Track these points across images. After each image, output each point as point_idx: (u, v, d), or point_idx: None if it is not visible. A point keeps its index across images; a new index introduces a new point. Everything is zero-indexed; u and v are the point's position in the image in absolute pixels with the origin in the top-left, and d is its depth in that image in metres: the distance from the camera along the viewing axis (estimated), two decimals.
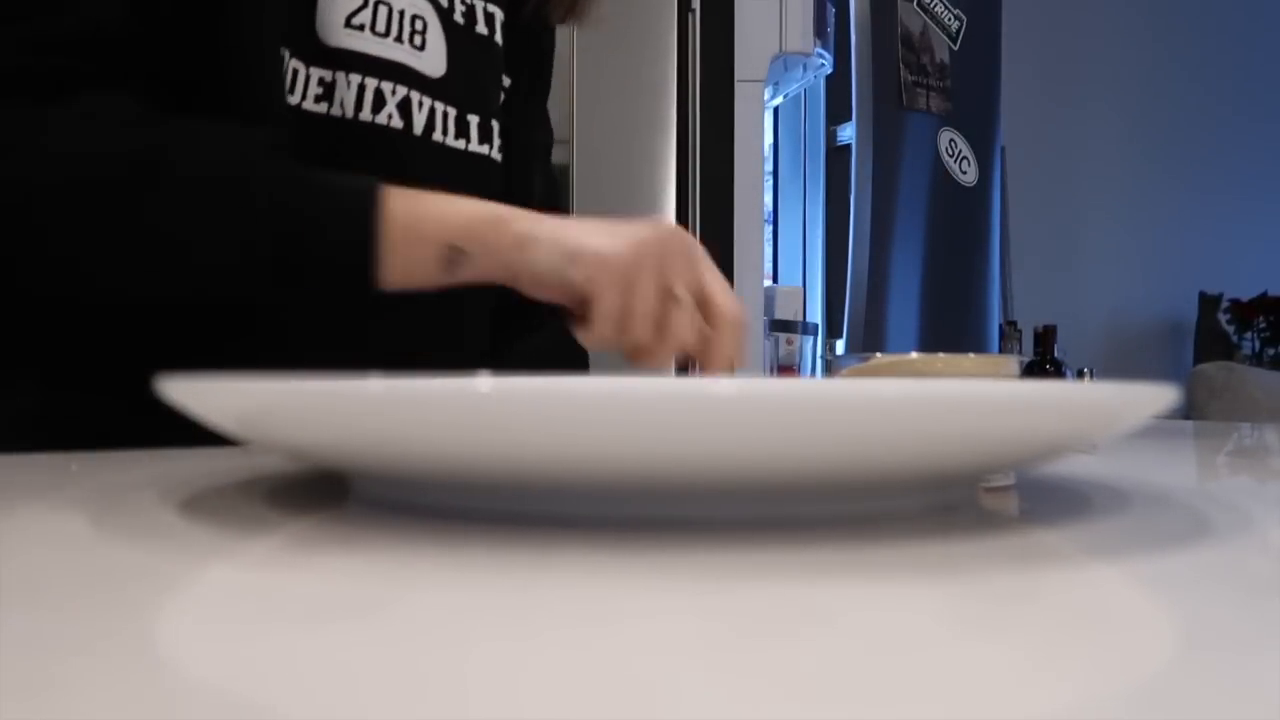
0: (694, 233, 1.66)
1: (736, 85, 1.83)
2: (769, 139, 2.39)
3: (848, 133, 2.42)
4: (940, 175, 2.51)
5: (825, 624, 0.22)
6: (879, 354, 0.64)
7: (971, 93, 2.58)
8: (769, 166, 2.44)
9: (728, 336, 0.62)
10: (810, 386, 0.31)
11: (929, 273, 2.46)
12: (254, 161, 0.60)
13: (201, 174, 0.58)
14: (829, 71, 2.23)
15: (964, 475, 0.35)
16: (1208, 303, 3.63)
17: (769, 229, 2.44)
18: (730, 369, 0.63)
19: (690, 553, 0.28)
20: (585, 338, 0.61)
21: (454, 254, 0.60)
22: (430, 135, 0.72)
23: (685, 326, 0.61)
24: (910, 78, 2.45)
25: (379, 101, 0.69)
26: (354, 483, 0.37)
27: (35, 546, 0.30)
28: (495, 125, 0.78)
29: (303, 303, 0.63)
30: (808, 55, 2.00)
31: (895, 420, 0.28)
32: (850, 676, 0.18)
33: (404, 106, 0.70)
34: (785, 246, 2.54)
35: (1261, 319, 3.58)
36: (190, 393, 0.32)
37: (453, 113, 0.74)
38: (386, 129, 0.69)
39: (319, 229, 0.59)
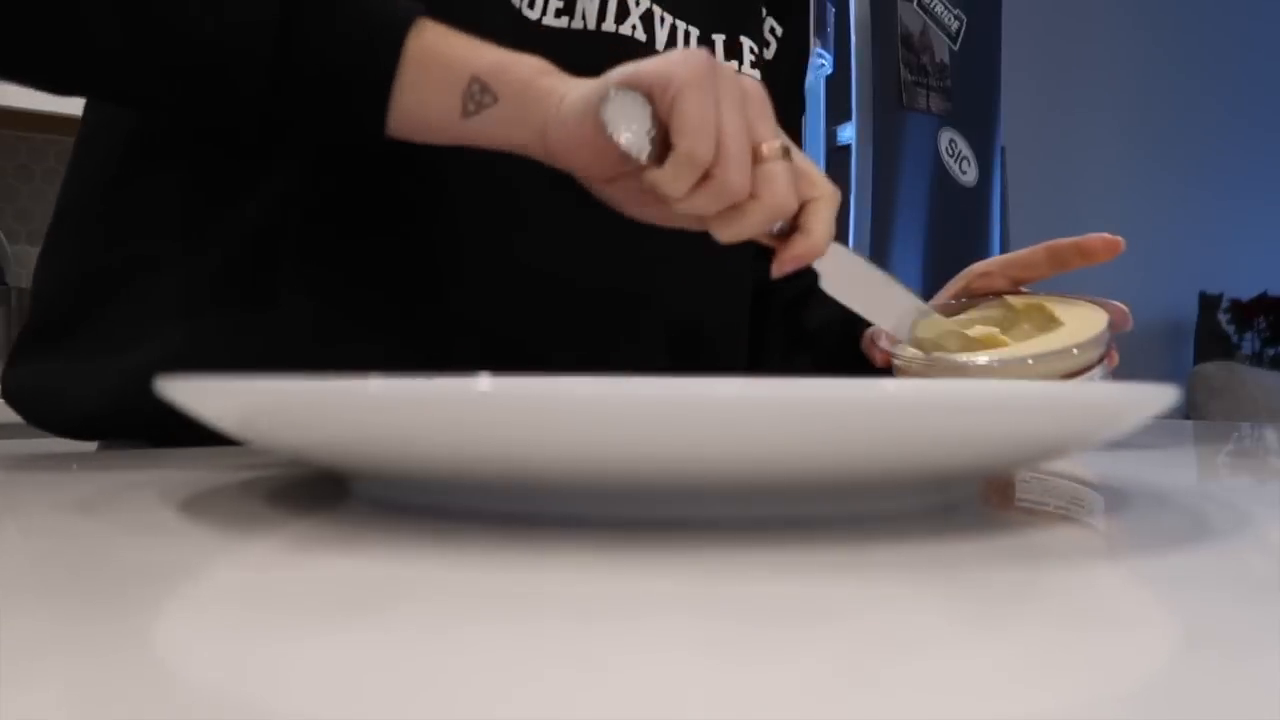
0: None
1: None
2: None
3: (848, 133, 2.42)
4: (940, 175, 2.51)
5: (824, 623, 0.22)
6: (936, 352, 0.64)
7: (971, 93, 2.58)
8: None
9: (826, 209, 0.53)
10: (810, 387, 0.30)
11: (929, 273, 2.46)
12: None
13: None
14: (829, 71, 2.23)
15: (964, 475, 0.35)
16: (1208, 303, 3.63)
17: None
18: (823, 248, 0.53)
19: (690, 553, 0.28)
20: (662, 184, 0.49)
21: (477, 90, 0.52)
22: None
23: (784, 180, 0.50)
24: (910, 78, 2.45)
25: (623, 11, 0.65)
26: (354, 483, 0.37)
27: (35, 545, 0.30)
28: (747, 42, 0.73)
29: (296, 127, 0.55)
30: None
31: (895, 420, 0.28)
32: (850, 676, 0.18)
33: (647, 19, 0.67)
34: None
35: (1261, 319, 3.58)
36: (190, 392, 0.32)
37: (695, 32, 0.70)
38: (631, 39, 0.66)
39: (332, 22, 0.51)
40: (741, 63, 0.73)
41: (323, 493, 0.38)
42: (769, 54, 0.79)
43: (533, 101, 0.51)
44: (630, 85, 0.49)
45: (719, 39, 0.72)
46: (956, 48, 2.56)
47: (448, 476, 0.31)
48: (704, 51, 0.50)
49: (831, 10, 2.19)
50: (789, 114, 0.85)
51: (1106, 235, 0.71)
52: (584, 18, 0.65)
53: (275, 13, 0.51)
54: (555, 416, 0.27)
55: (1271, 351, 3.57)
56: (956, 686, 0.18)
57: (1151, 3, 3.78)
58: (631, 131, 0.48)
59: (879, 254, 2.37)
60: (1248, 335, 3.61)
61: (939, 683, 0.18)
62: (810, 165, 0.53)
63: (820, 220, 0.53)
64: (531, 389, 0.27)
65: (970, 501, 0.37)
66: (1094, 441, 0.35)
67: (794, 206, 0.51)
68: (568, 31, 0.64)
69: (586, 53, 0.64)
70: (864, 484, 0.32)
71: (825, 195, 0.53)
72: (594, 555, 0.28)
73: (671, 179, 0.48)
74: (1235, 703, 0.17)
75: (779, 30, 0.80)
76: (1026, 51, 3.33)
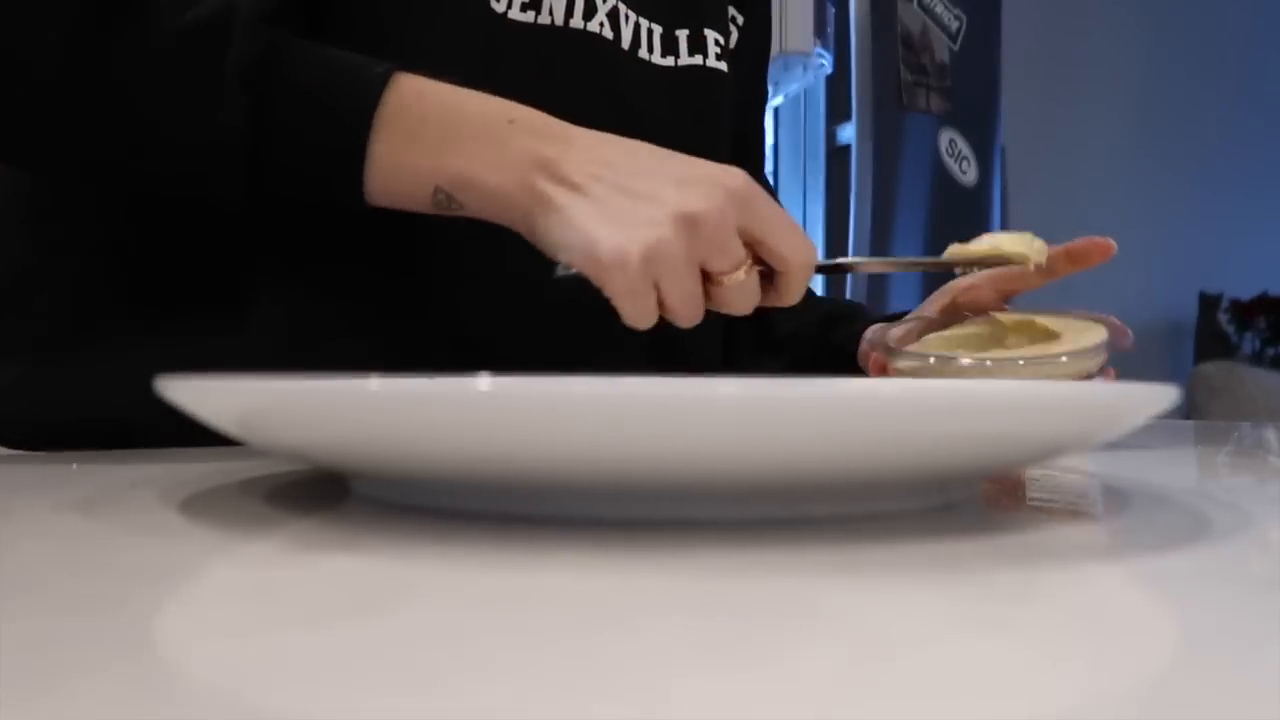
0: None
1: None
2: (769, 139, 2.39)
3: (848, 133, 2.42)
4: (940, 175, 2.51)
5: (825, 623, 0.22)
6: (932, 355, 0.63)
7: (971, 93, 2.59)
8: (769, 167, 2.44)
9: (796, 284, 0.55)
10: (811, 387, 0.31)
11: (929, 273, 2.45)
12: (235, 15, 0.52)
13: (178, 21, 0.51)
14: (829, 71, 2.23)
15: (964, 475, 0.35)
16: (1208, 303, 3.63)
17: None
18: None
19: (690, 553, 0.28)
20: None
21: (444, 199, 0.53)
22: (636, 52, 0.68)
23: (736, 302, 0.54)
24: (910, 78, 2.45)
25: (590, 8, 0.65)
26: (354, 483, 0.37)
27: (35, 546, 0.30)
28: (710, 34, 0.73)
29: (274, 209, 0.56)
30: (808, 55, 2.00)
31: (895, 420, 0.28)
32: (850, 676, 0.18)
33: (613, 16, 0.67)
34: None
35: (1261, 319, 3.58)
36: (190, 392, 0.32)
37: (659, 30, 0.70)
38: (598, 36, 0.66)
39: (306, 102, 0.52)
40: (706, 56, 0.73)
41: (323, 493, 0.38)
42: (731, 43, 0.79)
43: (502, 210, 0.53)
44: (578, 267, 0.52)
45: (682, 34, 0.72)
46: (956, 48, 2.56)
47: (448, 476, 0.31)
48: (686, 195, 0.51)
49: (831, 10, 2.19)
50: (752, 104, 0.85)
51: (1097, 239, 0.69)
52: (551, 13, 0.64)
53: (245, 136, 0.52)
54: (555, 416, 0.27)
55: (1271, 351, 3.57)
56: (956, 686, 0.18)
57: (1151, 3, 3.78)
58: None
59: (879, 254, 2.37)
60: (1248, 335, 3.61)
61: (939, 683, 0.18)
62: (783, 229, 0.54)
63: (787, 296, 0.56)
64: (531, 389, 0.27)
65: (970, 501, 0.37)
66: (1094, 441, 0.35)
67: (750, 309, 0.54)
68: (534, 27, 0.64)
69: (553, 49, 0.64)
70: (864, 484, 0.32)
71: (794, 271, 0.55)
72: (593, 555, 0.28)
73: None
74: (1235, 703, 0.17)
75: (740, 20, 0.80)
76: (1026, 51, 3.33)
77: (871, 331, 0.75)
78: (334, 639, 0.20)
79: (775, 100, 2.29)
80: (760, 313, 0.62)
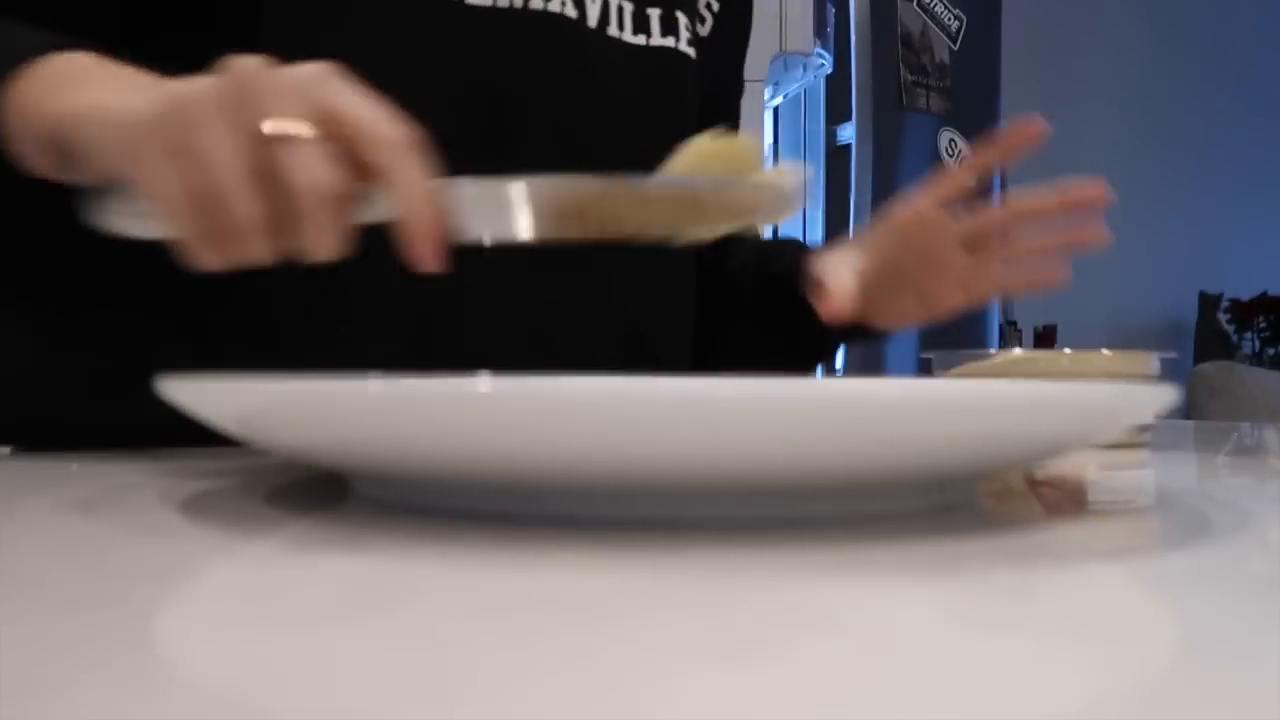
0: None
1: None
2: (769, 139, 2.39)
3: (848, 133, 2.42)
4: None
5: (825, 624, 0.22)
6: (994, 350, 0.62)
7: (971, 93, 2.58)
8: (769, 166, 2.43)
9: (392, 161, 0.41)
10: (811, 388, 0.31)
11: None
12: None
13: None
14: (829, 71, 2.23)
15: (964, 475, 0.35)
16: (1208, 303, 3.63)
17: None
18: (425, 208, 0.41)
19: (690, 553, 0.28)
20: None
21: (62, 155, 0.45)
22: (605, 29, 0.67)
23: (307, 167, 0.39)
24: (910, 78, 2.45)
25: None
26: (354, 483, 0.37)
27: (35, 545, 0.30)
28: (682, 18, 0.71)
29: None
30: (808, 55, 2.00)
31: (895, 421, 0.28)
32: (850, 677, 0.18)
33: None
34: None
35: (1261, 319, 3.58)
36: (190, 392, 0.32)
37: (629, 8, 0.68)
38: (560, 17, 0.64)
39: None
40: (679, 39, 0.71)
41: (323, 493, 0.38)
42: (704, 30, 0.77)
43: (105, 162, 0.44)
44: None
45: (654, 14, 0.70)
46: (956, 48, 2.56)
47: (448, 477, 0.31)
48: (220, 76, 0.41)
49: (831, 10, 2.19)
50: (728, 93, 0.83)
51: (1019, 125, 0.66)
52: None
53: None
54: (555, 417, 0.27)
55: (1271, 351, 3.56)
56: (956, 686, 0.18)
57: (1151, 3, 3.78)
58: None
59: None
60: (1248, 335, 3.60)
61: (939, 683, 0.18)
62: (359, 111, 0.41)
63: (400, 189, 0.41)
64: (531, 389, 0.27)
65: (969, 501, 0.37)
66: (1094, 441, 0.35)
67: (338, 181, 0.40)
68: (493, 9, 0.62)
69: (515, 31, 0.62)
70: (863, 484, 0.32)
71: (381, 146, 0.41)
72: (593, 555, 0.28)
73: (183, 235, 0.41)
74: (1235, 702, 0.17)
75: (715, 6, 0.78)
76: (1026, 51, 3.33)
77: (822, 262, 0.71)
78: (334, 639, 0.20)
79: (775, 100, 2.29)
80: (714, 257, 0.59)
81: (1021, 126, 0.66)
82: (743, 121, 0.88)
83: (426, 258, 0.42)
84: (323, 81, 0.41)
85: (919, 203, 0.71)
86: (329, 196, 0.40)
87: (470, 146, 0.55)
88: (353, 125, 0.40)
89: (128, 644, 0.20)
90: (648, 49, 0.69)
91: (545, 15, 0.64)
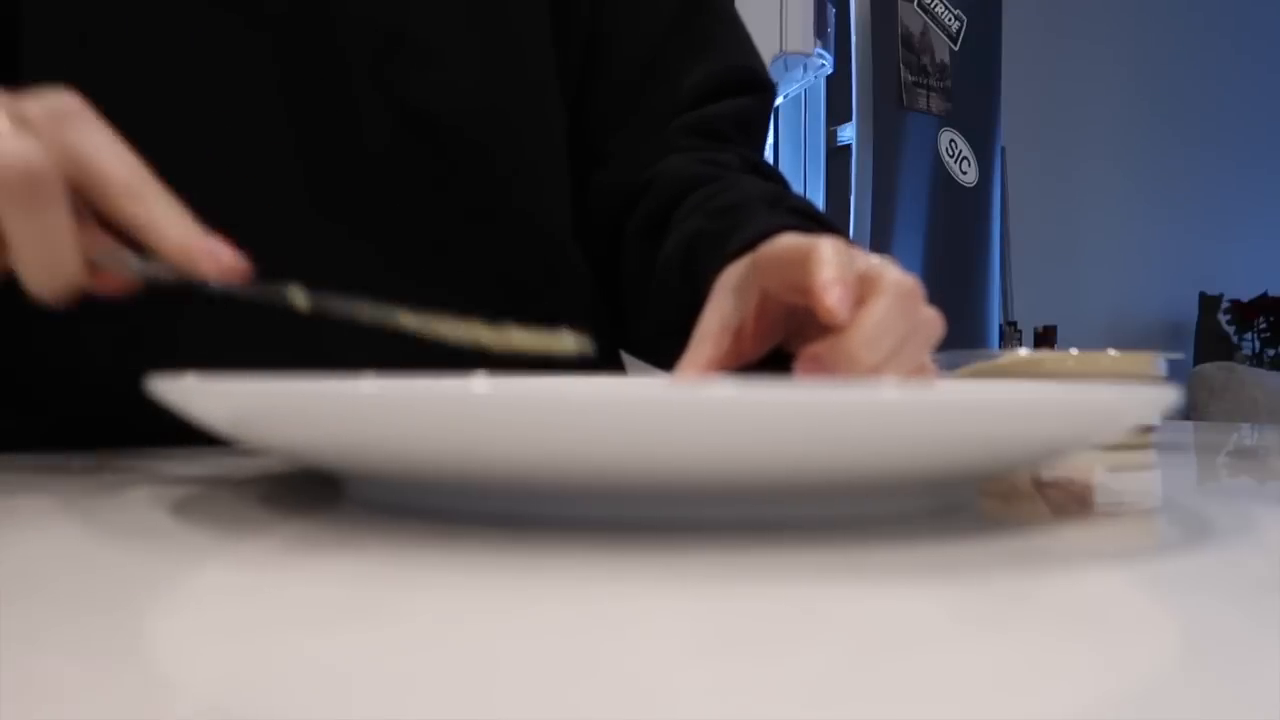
0: None
1: None
2: (769, 139, 2.39)
3: (848, 133, 2.42)
4: (940, 175, 2.51)
5: (825, 625, 0.21)
6: (998, 351, 0.62)
7: (971, 93, 2.59)
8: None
9: (148, 212, 0.40)
10: (810, 389, 0.30)
11: (929, 273, 2.46)
12: None
13: None
14: (829, 72, 2.23)
15: (964, 477, 0.35)
16: (1208, 303, 3.63)
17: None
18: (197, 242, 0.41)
19: (689, 555, 0.28)
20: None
21: None
22: None
23: (31, 258, 0.38)
24: (910, 78, 2.45)
25: None
26: (348, 484, 0.37)
27: (30, 545, 0.30)
28: None
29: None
30: (808, 55, 2.00)
31: (895, 423, 0.28)
32: (850, 677, 0.18)
33: None
34: None
35: (1261, 319, 3.59)
36: (182, 392, 0.32)
37: None
38: None
39: None
40: None
41: (317, 494, 0.38)
42: None
43: None
44: None
45: None
46: (956, 48, 2.56)
47: (443, 478, 0.31)
48: None
49: (831, 10, 2.19)
50: (632, 37, 0.72)
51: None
52: None
53: None
54: (553, 418, 0.27)
55: (1271, 352, 3.57)
56: (956, 688, 0.18)
57: (1151, 3, 3.79)
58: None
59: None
60: (1248, 336, 3.61)
61: (939, 684, 0.18)
62: (117, 153, 0.41)
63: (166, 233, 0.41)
64: (529, 390, 0.27)
65: (970, 503, 0.37)
66: (1095, 442, 0.35)
67: (58, 281, 0.40)
68: None
69: None
70: (863, 486, 0.32)
71: (168, 245, 0.41)
72: (592, 557, 0.27)
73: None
74: (1235, 703, 0.17)
75: None
76: (1026, 51, 3.33)
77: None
78: (329, 641, 0.20)
79: (775, 100, 2.29)
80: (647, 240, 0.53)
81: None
82: None
83: (227, 265, 0.41)
84: (65, 119, 0.40)
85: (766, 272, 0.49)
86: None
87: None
88: (98, 175, 0.39)
89: (118, 646, 0.20)
90: None
91: None
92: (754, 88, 0.75)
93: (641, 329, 0.70)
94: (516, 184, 0.66)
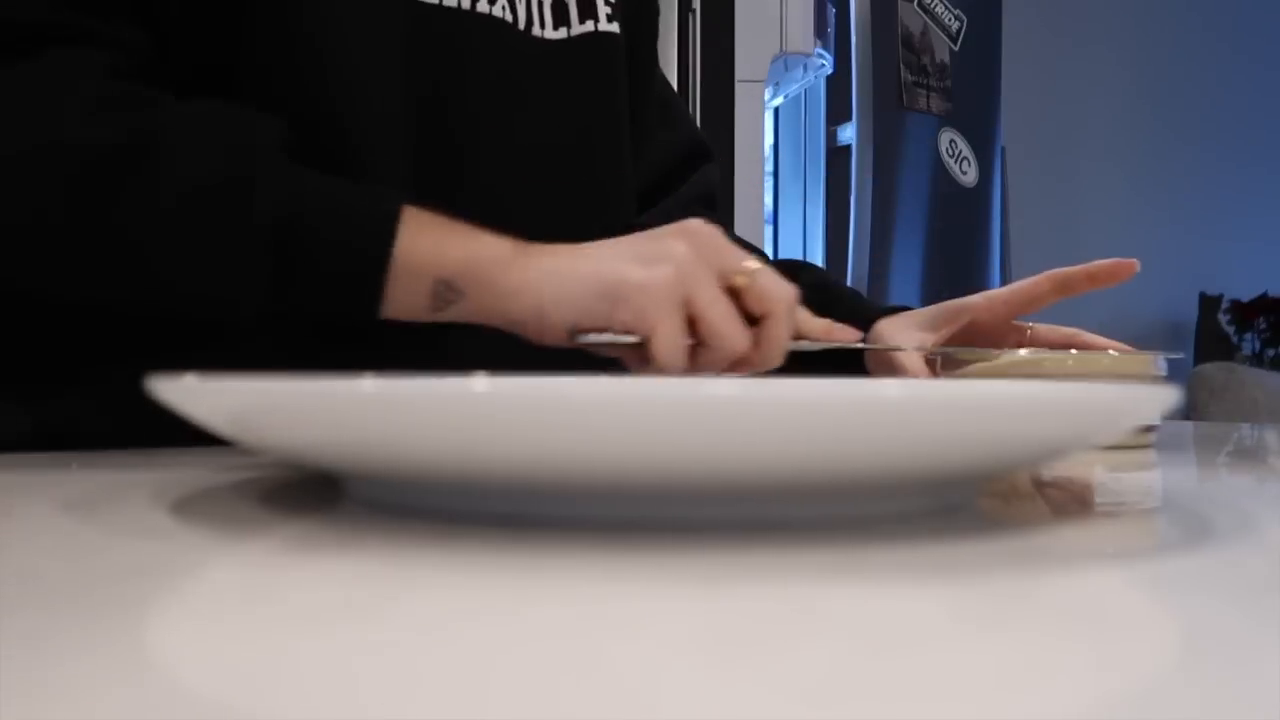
0: None
1: (737, 85, 1.82)
2: (769, 139, 2.39)
3: (848, 133, 2.42)
4: (940, 175, 2.51)
5: (825, 625, 0.21)
6: (996, 350, 0.62)
7: (971, 93, 2.58)
8: (769, 167, 2.44)
9: (780, 326, 0.53)
10: (810, 388, 0.30)
11: (929, 273, 2.45)
12: (260, 159, 0.54)
13: (197, 171, 0.53)
14: (829, 72, 2.23)
15: (964, 477, 0.35)
16: (1208, 303, 3.62)
17: (769, 229, 2.43)
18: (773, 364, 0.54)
19: (689, 554, 0.28)
20: (649, 373, 0.53)
21: (444, 289, 0.54)
22: (531, 29, 0.69)
23: (726, 327, 0.52)
24: (910, 78, 2.45)
25: None
26: (348, 484, 0.37)
27: (31, 545, 0.30)
28: (599, 1, 0.72)
29: (287, 322, 0.56)
30: (808, 55, 2.00)
31: (895, 422, 0.28)
32: (850, 677, 0.18)
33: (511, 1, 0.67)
34: (785, 247, 2.54)
35: (1262, 319, 3.58)
36: (182, 392, 0.32)
37: (549, 0, 0.70)
38: (499, 20, 0.66)
39: (327, 250, 0.54)
40: (598, 20, 0.72)
41: (317, 494, 0.38)
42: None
43: (499, 299, 0.54)
44: (617, 304, 0.52)
45: (572, 1, 0.72)
46: (956, 48, 2.55)
47: (443, 478, 0.31)
48: (673, 239, 0.53)
49: (831, 10, 2.19)
50: (640, 74, 0.81)
51: (1119, 260, 0.69)
52: None
53: (267, 290, 0.54)
54: (553, 417, 0.27)
55: (1272, 352, 3.56)
56: (956, 687, 0.17)
57: (1151, 4, 3.78)
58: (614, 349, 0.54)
59: (879, 255, 2.37)
60: (1248, 336, 3.60)
61: (939, 683, 0.18)
62: (768, 280, 0.54)
63: (771, 346, 0.54)
64: (527, 390, 0.27)
65: (970, 503, 0.37)
66: (1095, 442, 0.35)
67: (741, 340, 0.53)
68: (439, 8, 0.64)
69: (453, 32, 0.64)
70: (864, 486, 0.32)
71: (778, 310, 0.54)
72: (592, 556, 0.27)
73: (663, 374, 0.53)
74: (1235, 703, 0.17)
75: None
76: (1026, 51, 3.33)
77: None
78: (329, 640, 0.20)
79: (775, 100, 2.29)
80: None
81: (1117, 265, 0.69)
82: (743, 121, 0.85)
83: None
84: (725, 249, 0.53)
85: (996, 296, 0.73)
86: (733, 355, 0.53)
87: (404, 145, 0.61)
88: (762, 294, 0.53)
89: (119, 646, 0.20)
90: (569, 41, 0.71)
91: (486, 18, 0.66)
92: (708, 156, 0.87)
93: None
94: None
